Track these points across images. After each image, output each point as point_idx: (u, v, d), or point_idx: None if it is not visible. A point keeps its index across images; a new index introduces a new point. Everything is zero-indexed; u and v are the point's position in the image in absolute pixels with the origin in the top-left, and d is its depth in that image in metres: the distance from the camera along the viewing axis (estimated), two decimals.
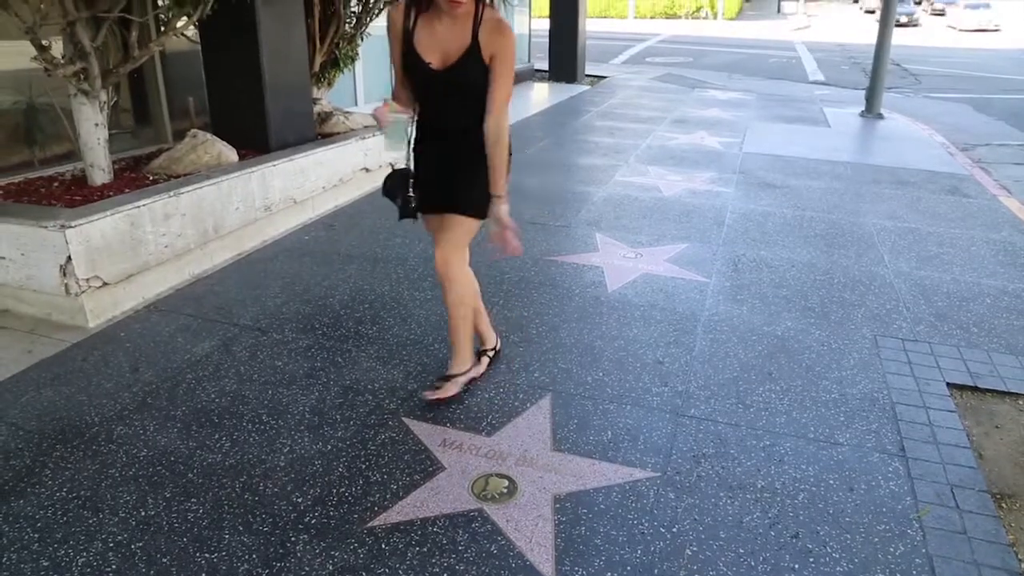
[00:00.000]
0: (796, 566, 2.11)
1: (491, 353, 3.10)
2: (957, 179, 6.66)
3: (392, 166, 2.71)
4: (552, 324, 3.52)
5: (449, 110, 2.57)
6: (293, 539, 2.14)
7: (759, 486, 2.43)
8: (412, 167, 2.65)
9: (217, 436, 2.59)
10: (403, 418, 2.74)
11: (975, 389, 3.08)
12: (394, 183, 2.66)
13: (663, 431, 2.71)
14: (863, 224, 5.24)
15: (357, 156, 5.30)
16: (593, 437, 2.66)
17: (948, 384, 3.08)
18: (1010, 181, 6.78)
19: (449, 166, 2.62)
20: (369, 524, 2.21)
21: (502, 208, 2.56)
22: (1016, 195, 6.21)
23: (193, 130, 4.44)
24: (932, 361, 3.27)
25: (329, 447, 2.54)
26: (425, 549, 2.12)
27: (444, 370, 2.94)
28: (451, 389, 2.82)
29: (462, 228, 2.66)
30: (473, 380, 2.94)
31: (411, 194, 2.62)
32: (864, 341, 3.44)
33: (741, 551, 2.16)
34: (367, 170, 5.46)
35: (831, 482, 2.46)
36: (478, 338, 3.00)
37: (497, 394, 2.92)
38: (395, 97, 2.62)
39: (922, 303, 3.88)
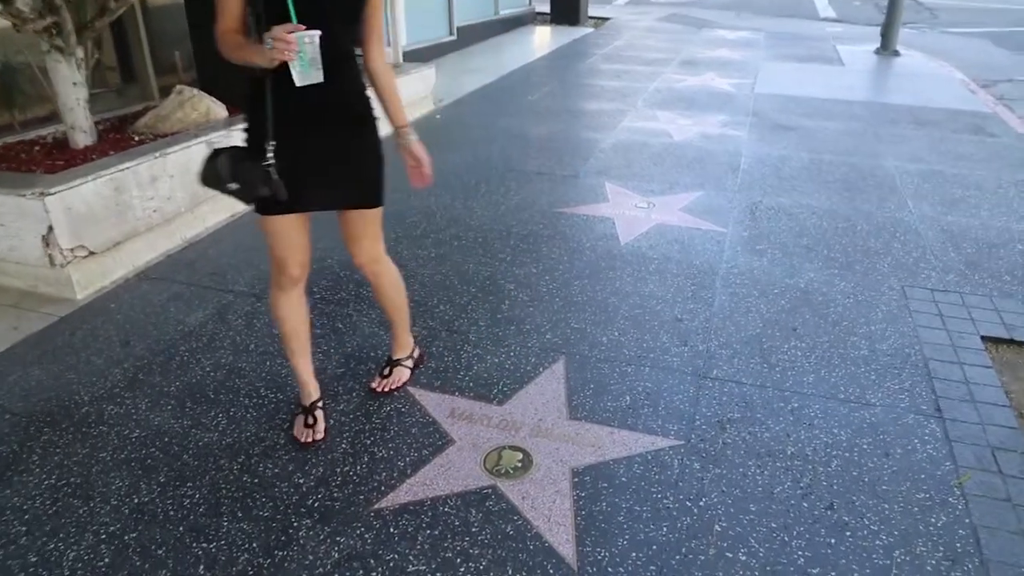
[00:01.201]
0: (832, 541, 1.98)
1: (408, 363, 2.64)
2: (980, 117, 6.39)
3: (211, 146, 2.17)
4: (563, 280, 3.35)
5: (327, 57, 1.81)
6: (296, 524, 2.01)
7: (789, 453, 2.29)
8: (271, 147, 1.91)
9: (213, 413, 2.45)
10: (408, 388, 2.59)
11: (1011, 342, 2.92)
12: (232, 166, 1.93)
13: (685, 395, 2.56)
14: (884, 167, 5.00)
15: None
16: (611, 403, 2.51)
17: (982, 337, 2.92)
18: None
19: (341, 149, 2.05)
20: (376, 506, 2.08)
21: (413, 139, 2.17)
22: None
23: (179, 86, 4.21)
24: (964, 313, 3.09)
25: (331, 421, 2.40)
26: (436, 532, 1.99)
27: (428, 343, 2.78)
28: (403, 375, 2.60)
29: (378, 217, 2.22)
30: (417, 366, 2.69)
31: (275, 178, 1.91)
32: (892, 292, 3.26)
33: (773, 525, 2.02)
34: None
35: (865, 447, 2.32)
36: (300, 391, 2.43)
37: (507, 358, 2.77)
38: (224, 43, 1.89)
39: (951, 250, 3.69)
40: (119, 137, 3.87)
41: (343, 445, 2.31)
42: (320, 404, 2.39)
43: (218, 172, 1.93)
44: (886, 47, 9.45)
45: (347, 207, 2.15)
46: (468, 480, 2.17)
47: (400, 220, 3.99)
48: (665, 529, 2.01)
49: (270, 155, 1.90)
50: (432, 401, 2.52)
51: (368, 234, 2.22)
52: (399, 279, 2.43)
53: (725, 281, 3.36)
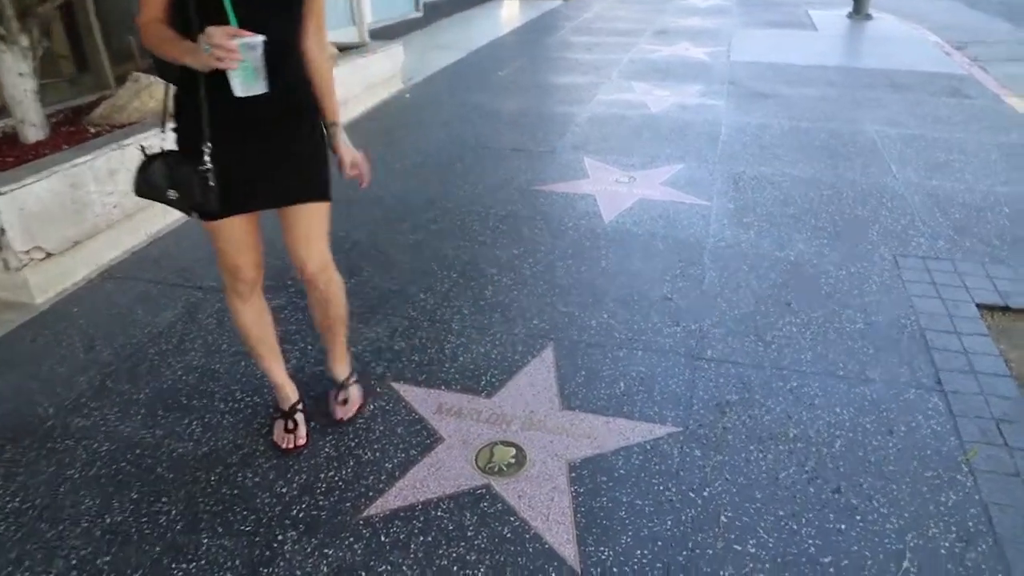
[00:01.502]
0: (842, 526, 1.90)
1: (300, 408, 2.29)
2: (956, 79, 6.34)
3: (143, 149, 1.82)
4: (547, 262, 3.24)
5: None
6: (280, 537, 1.89)
7: (791, 435, 2.21)
8: (208, 148, 1.72)
9: (187, 421, 2.31)
10: (392, 383, 2.47)
11: (1006, 309, 2.86)
12: (169, 173, 1.74)
13: (680, 378, 2.47)
14: (865, 132, 4.93)
15: None
16: (604, 390, 2.42)
17: (978, 305, 2.86)
18: (1009, 79, 6.46)
19: (284, 144, 1.86)
20: (364, 513, 1.97)
21: (342, 138, 1.99)
22: (1018, 93, 5.90)
23: (135, 73, 4.01)
24: (957, 280, 3.03)
25: (313, 424, 2.28)
26: (430, 538, 1.89)
27: (411, 335, 2.66)
28: (359, 393, 2.37)
29: (326, 213, 2.03)
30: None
31: (211, 186, 1.73)
32: (883, 262, 3.19)
33: (781, 513, 1.94)
34: None
35: (868, 425, 2.25)
36: (275, 395, 2.28)
37: (494, 347, 2.65)
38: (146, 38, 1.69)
39: (938, 216, 3.63)
40: (73, 130, 3.68)
41: (326, 449, 2.19)
42: (300, 407, 2.27)
43: (154, 181, 1.74)
44: (858, 11, 9.37)
45: (293, 203, 1.94)
46: (460, 480, 2.07)
47: (376, 204, 3.85)
48: (669, 523, 1.92)
49: (207, 159, 1.71)
50: (417, 397, 2.40)
51: (317, 233, 2.02)
52: (342, 291, 2.20)
53: (713, 256, 3.27)
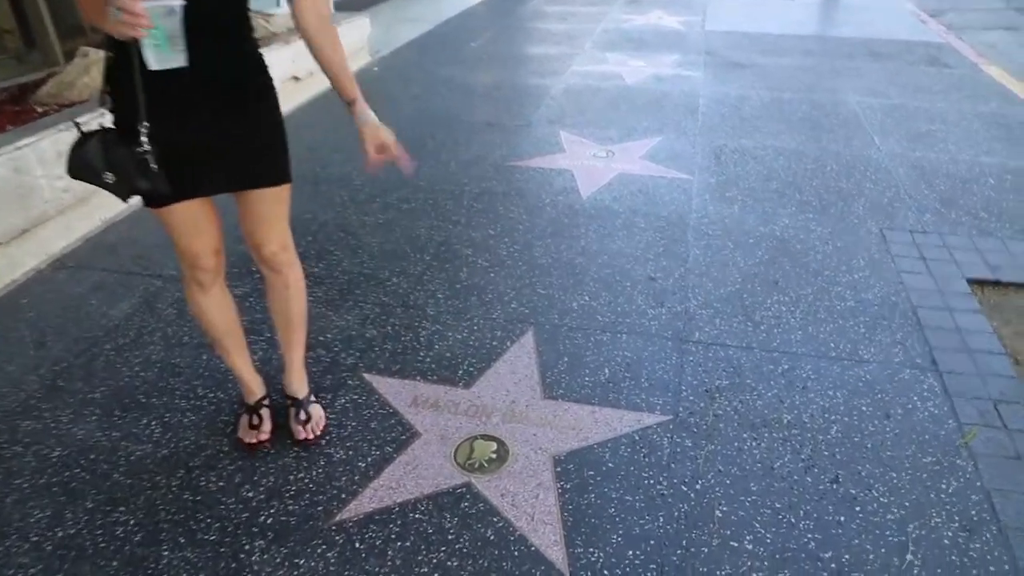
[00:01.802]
0: (842, 518, 1.81)
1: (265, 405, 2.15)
2: (934, 48, 6.27)
3: (77, 126, 1.63)
4: (524, 242, 3.11)
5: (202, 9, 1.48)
6: (247, 547, 1.76)
7: (785, 421, 2.12)
8: (144, 129, 1.53)
9: (145, 421, 2.16)
10: (363, 374, 2.33)
11: (996, 284, 2.79)
12: (104, 154, 1.55)
13: (668, 363, 2.36)
14: (846, 103, 4.84)
15: (284, 64, 4.66)
16: (589, 377, 2.30)
17: (968, 280, 2.78)
18: (986, 47, 6.40)
19: (231, 124, 1.66)
20: (337, 517, 1.84)
21: (371, 118, 1.78)
22: (996, 62, 5.84)
23: (83, 48, 3.77)
24: (946, 254, 2.95)
25: (280, 421, 2.14)
26: (408, 543, 1.77)
27: (383, 322, 2.52)
28: (321, 412, 2.15)
29: (285, 195, 1.84)
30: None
31: (153, 168, 1.54)
32: (871, 236, 3.10)
33: (778, 505, 1.85)
34: (297, 79, 4.84)
35: (864, 409, 2.16)
36: (242, 389, 2.14)
37: (471, 334, 2.52)
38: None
39: (924, 188, 3.55)
40: (18, 109, 3.45)
41: (295, 448, 2.05)
42: (266, 402, 2.13)
43: (89, 161, 1.55)
44: None
45: (248, 187, 1.77)
46: (439, 479, 1.95)
47: (343, 184, 3.67)
48: (662, 519, 1.82)
49: (144, 139, 1.53)
50: (391, 389, 2.27)
51: (276, 216, 1.84)
52: (304, 286, 2.04)
53: (697, 233, 3.15)
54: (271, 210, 1.84)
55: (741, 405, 2.18)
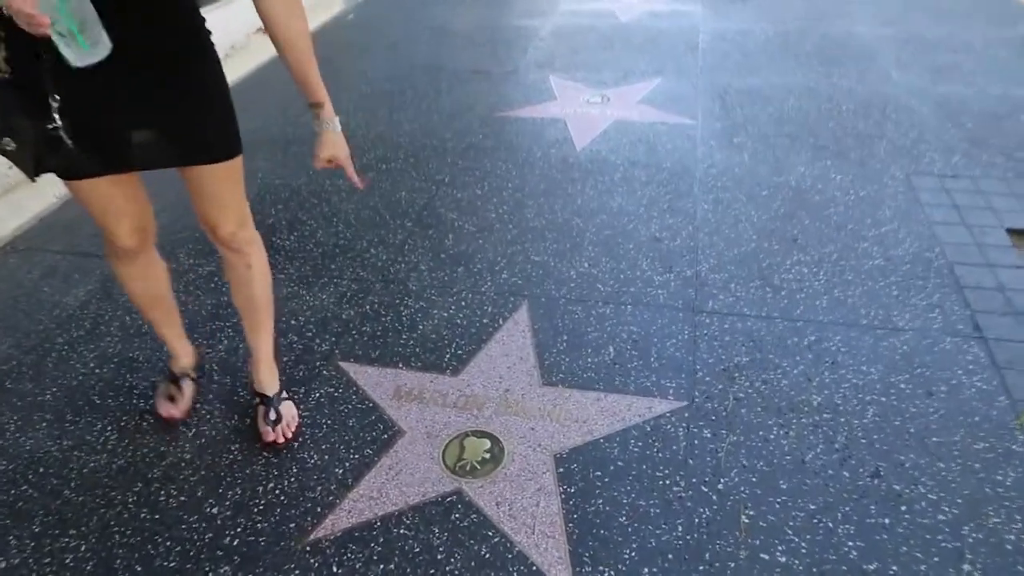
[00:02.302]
0: (886, 521, 1.59)
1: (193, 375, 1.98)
2: None
3: None
4: (515, 202, 2.82)
5: None
6: (210, 574, 1.53)
7: (815, 404, 1.88)
8: (56, 102, 1.26)
9: (100, 426, 1.91)
10: (340, 362, 2.08)
11: None
12: (5, 117, 1.28)
13: (680, 338, 2.11)
14: (858, 34, 4.48)
15: (249, 13, 4.28)
16: (592, 358, 2.05)
17: (1007, 231, 2.51)
18: None
19: (160, 92, 1.37)
20: (312, 536, 1.60)
21: (331, 128, 1.53)
22: None
23: None
24: (981, 201, 2.68)
25: (247, 423, 1.89)
26: (392, 565, 1.53)
27: (360, 300, 2.25)
28: (293, 411, 1.89)
29: (236, 171, 1.57)
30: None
31: (68, 144, 1.30)
32: (896, 183, 2.82)
33: (812, 507, 1.62)
34: (264, 31, 4.46)
35: (902, 386, 1.92)
36: (169, 356, 1.94)
37: (458, 310, 2.26)
38: None
39: (950, 127, 3.25)
40: None
41: (264, 453, 1.81)
42: (193, 375, 1.94)
43: None
44: None
45: (186, 164, 1.50)
46: (426, 485, 1.71)
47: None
48: (680, 528, 1.59)
49: (56, 115, 1.26)
50: (371, 379, 2.02)
51: (228, 193, 1.58)
52: (267, 268, 1.76)
53: (704, 186, 2.87)
54: (222, 188, 1.56)
55: (764, 386, 1.93)
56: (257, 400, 1.88)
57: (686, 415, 1.86)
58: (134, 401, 1.99)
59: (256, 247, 1.72)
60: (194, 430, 1.88)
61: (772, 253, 2.44)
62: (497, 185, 2.94)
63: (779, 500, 1.64)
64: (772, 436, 1.79)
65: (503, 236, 2.61)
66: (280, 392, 1.89)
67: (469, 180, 2.99)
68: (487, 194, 2.88)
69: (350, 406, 1.93)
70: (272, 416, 1.83)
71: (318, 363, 2.07)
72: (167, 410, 1.89)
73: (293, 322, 2.23)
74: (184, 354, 1.93)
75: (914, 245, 2.45)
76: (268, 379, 1.88)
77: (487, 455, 1.78)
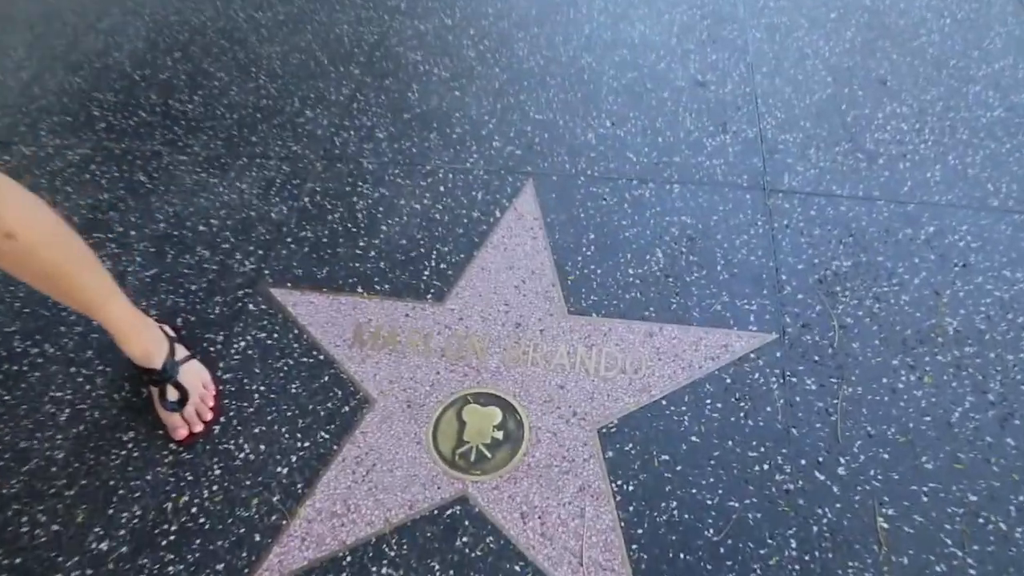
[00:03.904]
0: None
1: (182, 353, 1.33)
2: None
3: None
4: (499, 34, 2.08)
5: None
6: None
7: (951, 332, 1.33)
8: None
9: None
10: (271, 289, 1.45)
11: None
12: None
13: (752, 232, 1.51)
14: None
15: None
16: (634, 268, 1.46)
17: None
18: None
19: None
20: None
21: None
22: None
23: None
24: None
25: (139, 397, 1.29)
26: None
27: (296, 189, 1.59)
28: (202, 374, 1.28)
29: None
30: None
31: None
32: (1006, 1, 2.14)
33: (973, 498, 1.12)
34: None
35: None
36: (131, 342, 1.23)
37: (435, 199, 1.62)
38: None
39: None
40: None
41: (170, 453, 1.22)
42: None
43: None
44: None
45: None
46: (412, 491, 1.16)
47: None
48: (794, 544, 1.08)
49: None
50: (317, 313, 1.40)
51: None
52: (59, 225, 1.04)
53: (751, 7, 2.14)
54: None
55: (878, 305, 1.38)
56: (145, 379, 1.26)
57: (778, 355, 1.30)
58: None
59: (41, 228, 1.01)
60: (67, 414, 1.27)
61: (856, 101, 1.80)
62: (473, 10, 2.18)
63: (926, 489, 1.13)
64: (901, 385, 1.26)
65: (488, 85, 1.91)
66: (172, 353, 1.26)
67: (434, 5, 2.21)
68: (460, 23, 2.12)
69: (291, 360, 1.33)
70: (172, 396, 1.22)
71: (240, 292, 1.44)
72: (187, 428, 1.23)
73: (202, 227, 1.57)
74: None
75: None
76: (144, 344, 1.23)
77: (498, 433, 1.22)
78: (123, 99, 1.90)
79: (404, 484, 1.16)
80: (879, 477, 1.15)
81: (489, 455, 1.19)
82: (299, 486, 1.16)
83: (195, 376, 1.25)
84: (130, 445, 1.23)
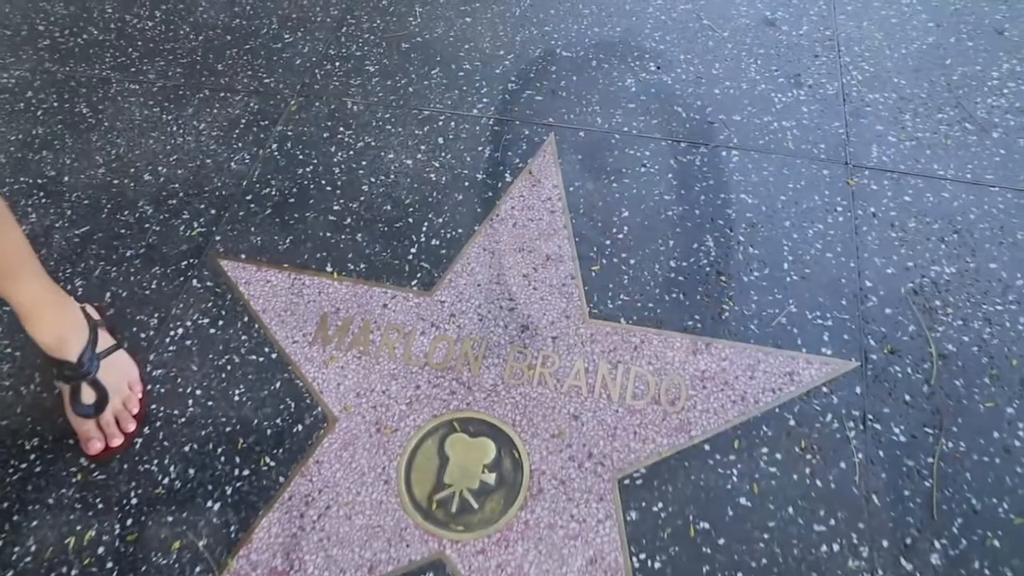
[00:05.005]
0: None
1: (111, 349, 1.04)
2: None
3: None
4: None
5: None
6: None
7: None
8: None
9: None
10: (221, 260, 1.17)
11: None
12: None
13: (830, 222, 1.19)
14: None
15: None
16: (677, 260, 1.15)
17: None
18: None
19: None
20: None
21: None
22: None
23: None
24: None
25: (51, 393, 1.03)
26: None
27: (272, 150, 1.29)
28: (129, 371, 1.01)
29: None
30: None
31: None
32: None
33: None
34: None
35: None
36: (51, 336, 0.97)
37: (431, 155, 1.31)
38: None
39: None
40: None
41: (78, 473, 0.97)
42: None
43: None
44: None
45: None
46: (373, 546, 0.89)
47: None
48: None
49: None
50: (275, 296, 1.12)
51: None
52: None
53: None
54: None
55: (990, 329, 1.07)
56: (56, 376, 0.99)
57: (858, 390, 1.01)
58: None
59: None
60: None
61: (962, 55, 1.45)
62: None
63: None
64: (1018, 443, 0.96)
65: (507, 10, 1.57)
66: (93, 343, 0.99)
67: None
68: None
69: (236, 357, 1.06)
70: (87, 398, 0.96)
71: (183, 263, 1.16)
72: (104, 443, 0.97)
73: (147, 176, 1.28)
74: None
75: None
76: (57, 329, 0.96)
77: (489, 476, 0.94)
78: (73, 11, 1.59)
79: (364, 538, 0.89)
80: (986, 571, 0.87)
81: (475, 505, 0.92)
82: (232, 529, 0.91)
83: (119, 373, 0.98)
84: (33, 456, 0.98)
